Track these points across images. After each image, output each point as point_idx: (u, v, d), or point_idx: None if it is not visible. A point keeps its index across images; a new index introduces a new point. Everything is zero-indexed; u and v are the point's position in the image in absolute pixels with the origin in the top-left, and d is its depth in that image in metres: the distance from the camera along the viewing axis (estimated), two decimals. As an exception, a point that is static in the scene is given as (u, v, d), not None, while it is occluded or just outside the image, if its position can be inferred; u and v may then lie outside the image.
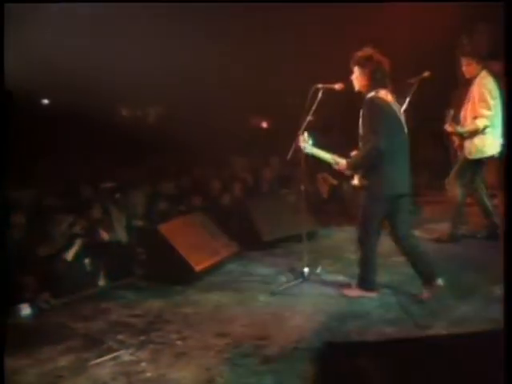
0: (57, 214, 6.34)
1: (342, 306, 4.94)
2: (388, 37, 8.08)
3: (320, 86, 5.19)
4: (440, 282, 4.92)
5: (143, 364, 4.12)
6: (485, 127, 5.97)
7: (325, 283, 5.47)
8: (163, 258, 5.94)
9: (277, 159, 9.39)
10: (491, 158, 6.09)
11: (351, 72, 4.89)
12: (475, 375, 3.12)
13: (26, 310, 5.17)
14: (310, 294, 5.28)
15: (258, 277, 5.89)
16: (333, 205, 8.28)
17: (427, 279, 4.93)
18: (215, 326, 4.71)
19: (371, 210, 4.87)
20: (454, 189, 6.37)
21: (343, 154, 5.01)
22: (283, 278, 5.71)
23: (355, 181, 4.94)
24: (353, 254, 5.54)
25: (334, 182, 8.20)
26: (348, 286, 5.25)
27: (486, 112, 5.93)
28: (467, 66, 6.15)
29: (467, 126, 6.12)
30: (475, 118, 6.03)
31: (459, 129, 6.15)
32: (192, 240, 6.12)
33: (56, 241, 5.95)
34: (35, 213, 6.71)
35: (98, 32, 7.70)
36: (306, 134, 5.18)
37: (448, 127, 6.20)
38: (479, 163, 6.22)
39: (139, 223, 7.00)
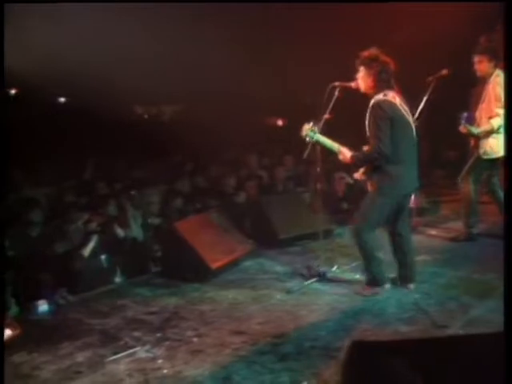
0: (73, 211, 6.38)
1: (357, 304, 4.93)
2: (405, 36, 8.08)
3: (337, 84, 5.17)
4: (411, 286, 5.10)
5: (159, 361, 4.13)
6: (499, 127, 5.91)
7: (341, 281, 5.45)
8: (179, 255, 5.95)
9: (292, 158, 9.39)
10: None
11: (357, 72, 4.89)
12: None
13: (43, 306, 5.20)
14: (326, 292, 5.26)
15: (274, 275, 5.88)
16: (349, 204, 8.25)
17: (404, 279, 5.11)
18: (231, 323, 4.71)
19: (377, 207, 4.87)
20: (467, 186, 6.34)
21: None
22: (299, 276, 5.70)
23: (357, 174, 5.03)
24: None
25: (351, 180, 8.17)
26: (359, 286, 5.24)
27: (501, 111, 5.87)
28: (478, 64, 6.09)
29: (482, 126, 6.07)
30: (490, 117, 5.97)
31: (473, 130, 6.10)
32: (208, 238, 6.13)
33: (73, 237, 5.99)
34: (52, 210, 6.77)
35: (113, 31, 7.73)
36: (311, 123, 5.17)
37: (462, 129, 6.15)
38: (495, 162, 6.16)
39: (155, 221, 7.02)
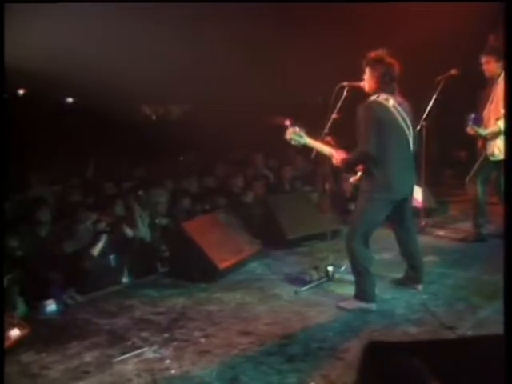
0: (82, 211, 6.40)
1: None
2: (413, 36, 8.06)
3: (345, 83, 5.15)
4: (420, 287, 5.08)
5: (167, 361, 4.13)
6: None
7: (349, 282, 5.43)
8: (187, 255, 5.95)
9: (300, 157, 9.37)
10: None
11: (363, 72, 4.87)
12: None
13: (51, 306, 5.22)
14: (334, 293, 5.25)
15: (282, 275, 5.88)
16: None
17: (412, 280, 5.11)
18: (239, 324, 4.71)
19: (366, 215, 4.77)
20: (475, 187, 6.32)
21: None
22: (307, 277, 5.69)
23: (353, 179, 4.94)
24: (376, 254, 5.48)
25: (357, 180, 8.14)
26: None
27: None
28: (486, 64, 6.07)
29: (490, 127, 6.05)
30: (498, 119, 5.95)
31: (481, 131, 6.08)
32: (215, 238, 6.13)
33: (81, 237, 6.01)
34: (61, 210, 6.79)
35: (119, 30, 7.74)
36: (296, 127, 5.12)
37: (469, 130, 6.13)
38: (502, 164, 6.13)
39: (163, 221, 7.03)
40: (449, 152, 10.20)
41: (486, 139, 6.11)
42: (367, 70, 4.81)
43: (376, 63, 4.73)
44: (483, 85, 6.20)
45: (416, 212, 5.48)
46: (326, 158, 5.33)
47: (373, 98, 4.75)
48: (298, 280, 5.66)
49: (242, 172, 8.98)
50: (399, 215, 4.93)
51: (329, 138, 5.11)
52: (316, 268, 5.75)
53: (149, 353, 4.28)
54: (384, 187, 4.69)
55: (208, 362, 4.08)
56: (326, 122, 5.18)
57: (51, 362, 4.20)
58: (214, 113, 11.36)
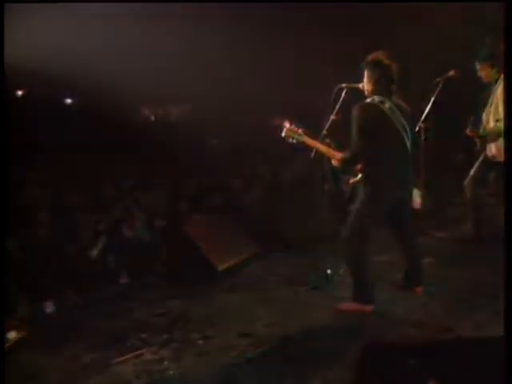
0: (81, 212, 6.40)
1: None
2: (412, 36, 8.06)
3: (344, 85, 5.15)
4: (419, 289, 5.04)
5: (166, 363, 4.13)
6: None
7: (348, 284, 5.43)
8: (186, 257, 5.95)
9: (299, 158, 9.36)
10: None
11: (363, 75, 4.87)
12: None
13: (50, 307, 5.21)
14: (333, 294, 5.25)
15: (281, 277, 5.87)
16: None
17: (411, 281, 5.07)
18: (238, 325, 4.69)
19: (361, 216, 4.74)
20: (474, 188, 6.32)
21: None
22: (306, 279, 5.69)
23: (352, 180, 4.95)
24: (374, 255, 5.47)
25: (357, 181, 8.15)
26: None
27: None
28: (481, 71, 6.08)
29: (489, 129, 6.05)
30: (497, 120, 5.95)
31: (480, 133, 6.08)
32: (215, 240, 6.13)
33: (81, 238, 6.00)
34: (60, 211, 6.78)
35: (119, 30, 7.74)
36: (292, 124, 5.12)
37: (469, 132, 6.13)
38: (502, 165, 6.14)
39: (162, 222, 7.02)
40: (447, 154, 10.20)
41: (486, 141, 6.11)
42: (365, 73, 4.82)
43: (374, 66, 4.73)
44: (482, 86, 6.20)
45: (415, 213, 5.46)
46: (324, 159, 5.34)
47: (368, 100, 4.76)
48: (297, 282, 5.66)
49: (242, 173, 8.98)
50: (398, 216, 4.93)
51: (327, 139, 5.12)
52: (315, 269, 5.76)
53: (148, 354, 4.28)
54: (380, 188, 4.69)
55: (207, 363, 4.08)
56: (324, 123, 5.19)
57: (50, 363, 4.20)
58: (213, 113, 11.35)
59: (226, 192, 8.23)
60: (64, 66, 7.85)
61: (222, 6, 8.37)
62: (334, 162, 4.94)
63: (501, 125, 5.90)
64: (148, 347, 4.39)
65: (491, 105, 6.05)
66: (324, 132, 5.16)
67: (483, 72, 6.07)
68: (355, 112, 4.67)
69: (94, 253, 5.83)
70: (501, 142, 5.96)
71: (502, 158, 5.96)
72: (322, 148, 5.02)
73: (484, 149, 6.17)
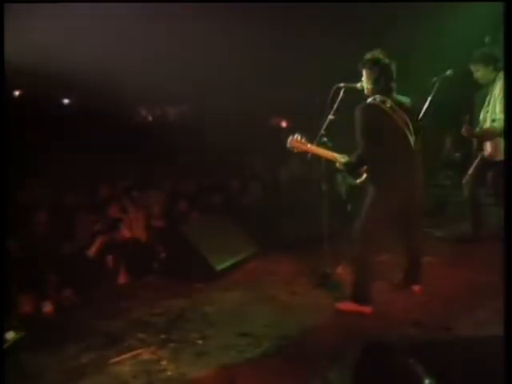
0: (79, 212, 6.39)
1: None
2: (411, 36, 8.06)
3: (342, 85, 5.15)
4: (417, 288, 5.06)
5: (164, 362, 4.13)
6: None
7: (346, 283, 5.43)
8: (184, 256, 5.95)
9: (297, 159, 9.36)
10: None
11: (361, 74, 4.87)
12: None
13: (48, 307, 5.21)
14: (331, 294, 5.25)
15: (279, 276, 5.87)
16: (352, 205, 8.22)
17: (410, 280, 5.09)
18: (236, 325, 4.70)
19: (371, 215, 4.74)
20: (472, 188, 6.32)
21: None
22: (304, 278, 5.69)
23: (359, 180, 4.94)
24: (376, 255, 5.46)
25: (353, 181, 8.15)
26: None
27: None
28: (476, 73, 6.09)
29: (486, 128, 6.05)
30: (493, 120, 5.96)
31: (477, 132, 6.08)
32: (213, 239, 6.13)
33: (78, 238, 6.00)
34: (57, 211, 6.77)
35: (119, 30, 7.73)
36: (296, 134, 5.12)
37: (464, 132, 6.13)
38: (499, 164, 6.13)
39: (160, 222, 7.02)
40: (445, 153, 10.20)
41: (483, 140, 6.11)
42: (364, 72, 4.82)
43: (372, 65, 4.73)
44: (479, 85, 6.20)
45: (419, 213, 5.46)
46: (322, 160, 5.33)
47: (369, 100, 4.76)
48: (295, 281, 5.65)
49: (240, 173, 8.98)
50: (404, 216, 4.93)
51: (325, 139, 5.12)
52: (313, 269, 5.76)
53: (146, 354, 4.28)
54: (388, 188, 4.69)
55: (205, 363, 4.08)
56: (322, 123, 5.19)
57: (48, 364, 4.20)
58: (211, 113, 11.35)
59: (225, 192, 8.22)
60: (64, 65, 7.83)
61: (222, 5, 8.36)
62: (340, 166, 4.95)
63: (496, 124, 5.90)
64: (146, 347, 4.38)
65: (489, 104, 6.06)
66: (322, 132, 5.16)
67: (478, 73, 6.08)
68: (358, 114, 4.67)
69: (91, 252, 5.82)
70: (496, 141, 5.97)
71: (498, 157, 5.97)
72: (328, 155, 5.04)
73: (481, 148, 6.17)
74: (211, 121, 10.80)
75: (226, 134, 10.01)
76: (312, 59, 9.74)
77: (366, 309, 4.74)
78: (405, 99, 4.83)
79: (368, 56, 4.77)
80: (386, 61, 4.70)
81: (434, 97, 5.88)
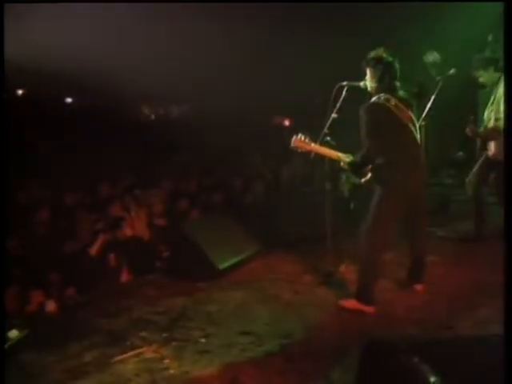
0: (80, 211, 6.39)
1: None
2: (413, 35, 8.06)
3: (344, 83, 5.15)
4: (420, 287, 5.07)
5: (166, 361, 4.13)
6: None
7: (348, 282, 5.43)
8: (187, 255, 5.94)
9: (299, 157, 9.36)
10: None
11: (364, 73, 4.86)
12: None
13: (51, 305, 5.21)
14: (334, 292, 5.25)
15: (282, 275, 5.86)
16: (355, 204, 8.22)
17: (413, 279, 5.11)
18: (239, 323, 4.70)
19: (378, 213, 4.74)
20: (475, 187, 6.32)
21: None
22: (307, 277, 5.68)
23: (364, 179, 4.91)
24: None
25: (356, 180, 8.14)
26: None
27: None
28: (480, 78, 6.10)
29: (490, 128, 6.05)
30: (498, 119, 5.95)
31: (480, 131, 6.08)
32: (215, 238, 6.12)
33: (80, 237, 6.00)
34: (59, 210, 6.77)
35: (119, 31, 7.74)
36: (300, 134, 5.12)
37: (468, 132, 6.13)
38: (502, 164, 6.13)
39: (162, 221, 7.02)
40: (448, 151, 10.21)
41: (486, 140, 6.11)
42: (368, 71, 4.81)
43: (376, 63, 4.72)
44: (484, 85, 6.20)
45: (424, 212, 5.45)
46: (325, 158, 5.33)
47: (373, 99, 4.75)
48: (298, 280, 5.65)
49: (242, 172, 8.98)
50: (410, 213, 4.91)
51: (328, 138, 5.12)
52: (316, 267, 5.75)
53: (148, 352, 4.28)
54: (394, 187, 4.68)
55: (208, 361, 4.08)
56: (325, 122, 5.18)
57: (51, 362, 4.20)
58: (213, 113, 11.35)
59: (228, 190, 8.22)
60: (63, 66, 7.84)
61: (222, 5, 8.36)
62: (344, 165, 4.95)
63: (500, 123, 5.90)
64: (149, 345, 4.38)
65: (492, 104, 6.05)
66: (325, 131, 5.16)
67: (482, 78, 6.09)
68: (363, 113, 4.66)
69: (93, 251, 5.82)
70: (500, 141, 5.96)
71: (501, 157, 5.96)
72: (332, 154, 5.04)
73: (485, 148, 6.17)
74: (212, 120, 10.80)
75: (227, 133, 10.02)
76: (312, 59, 9.74)
77: (369, 309, 4.74)
78: (408, 95, 4.83)
79: (371, 54, 4.76)
80: (390, 59, 4.70)
81: (437, 95, 5.89)
